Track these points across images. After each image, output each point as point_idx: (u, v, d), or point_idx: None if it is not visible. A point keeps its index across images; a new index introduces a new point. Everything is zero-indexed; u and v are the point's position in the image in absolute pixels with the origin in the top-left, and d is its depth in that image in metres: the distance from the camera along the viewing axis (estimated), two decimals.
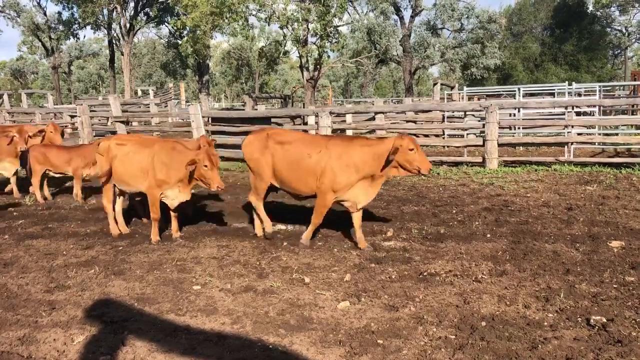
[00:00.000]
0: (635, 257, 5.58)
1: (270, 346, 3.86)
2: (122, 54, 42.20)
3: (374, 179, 6.10)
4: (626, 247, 5.92)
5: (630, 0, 40.88)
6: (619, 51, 54.03)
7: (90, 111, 17.93)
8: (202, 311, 4.49)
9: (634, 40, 51.30)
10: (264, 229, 6.76)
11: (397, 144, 5.84)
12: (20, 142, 9.34)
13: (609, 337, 3.82)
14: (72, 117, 18.42)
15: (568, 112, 12.89)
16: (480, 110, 13.57)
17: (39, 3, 46.32)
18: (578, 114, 17.27)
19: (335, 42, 25.04)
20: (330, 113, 13.80)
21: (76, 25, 44.27)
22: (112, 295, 4.90)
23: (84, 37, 64.97)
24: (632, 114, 18.76)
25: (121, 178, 6.83)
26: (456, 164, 12.48)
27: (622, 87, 27.05)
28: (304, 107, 25.07)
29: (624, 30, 50.68)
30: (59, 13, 44.94)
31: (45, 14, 47.19)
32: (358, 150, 6.05)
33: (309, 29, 24.05)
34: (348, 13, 31.03)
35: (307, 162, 6.19)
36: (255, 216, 6.90)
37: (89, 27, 43.17)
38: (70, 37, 46.89)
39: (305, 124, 16.75)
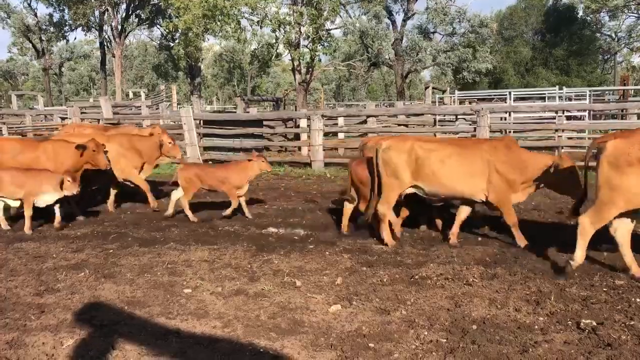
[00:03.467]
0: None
1: (261, 350, 3.85)
2: (114, 56, 42.07)
3: None
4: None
5: (619, 6, 41.22)
6: (608, 56, 54.39)
7: (81, 113, 17.85)
8: (192, 315, 4.47)
9: (623, 45, 51.65)
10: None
11: None
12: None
13: (599, 340, 3.84)
14: (62, 119, 18.34)
15: (558, 116, 12.99)
16: (471, 114, 13.64)
17: (29, 4, 46.07)
18: (568, 118, 17.41)
19: (328, 45, 25.08)
20: (323, 116, 13.83)
21: (67, 27, 44.05)
22: (102, 299, 4.86)
23: (75, 39, 64.65)
24: (622, 119, 18.90)
25: (440, 182, 6.18)
26: None
27: (611, 92, 27.27)
28: (296, 110, 25.07)
29: (613, 36, 51.04)
30: (50, 15, 44.71)
31: (36, 15, 46.95)
32: None
33: (301, 32, 24.08)
34: (340, 16, 31.09)
35: None
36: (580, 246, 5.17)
37: (80, 29, 42.99)
38: (61, 38, 46.67)
39: (297, 126, 16.77)
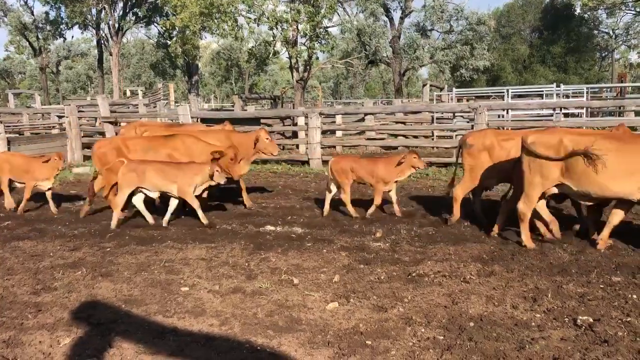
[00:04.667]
0: (622, 257, 5.62)
1: (259, 347, 3.85)
2: (111, 54, 41.98)
3: None
4: (613, 247, 5.96)
5: (617, 3, 41.27)
6: (606, 53, 54.52)
7: (79, 112, 17.81)
8: (190, 313, 4.46)
9: (620, 42, 51.75)
10: None
11: None
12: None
13: (595, 337, 3.85)
14: (59, 117, 18.30)
15: (556, 113, 12.98)
16: (469, 112, 13.64)
17: (26, 2, 46.00)
18: (566, 115, 17.43)
19: (325, 43, 25.06)
20: (320, 114, 13.82)
21: (64, 25, 43.95)
22: (99, 297, 4.86)
23: (72, 37, 64.65)
24: (619, 116, 18.92)
25: (593, 180, 5.50)
26: (445, 165, 12.52)
27: (609, 89, 27.32)
28: (293, 108, 25.07)
29: (611, 33, 51.13)
30: (47, 13, 44.59)
31: (32, 13, 46.88)
32: None
33: (298, 29, 24.06)
34: (338, 14, 31.10)
35: None
36: None
37: (76, 27, 42.91)
38: (58, 37, 46.58)
39: (295, 124, 16.76)
